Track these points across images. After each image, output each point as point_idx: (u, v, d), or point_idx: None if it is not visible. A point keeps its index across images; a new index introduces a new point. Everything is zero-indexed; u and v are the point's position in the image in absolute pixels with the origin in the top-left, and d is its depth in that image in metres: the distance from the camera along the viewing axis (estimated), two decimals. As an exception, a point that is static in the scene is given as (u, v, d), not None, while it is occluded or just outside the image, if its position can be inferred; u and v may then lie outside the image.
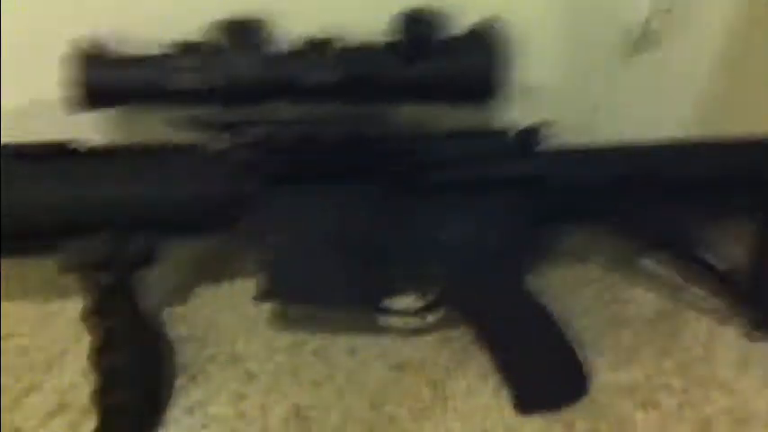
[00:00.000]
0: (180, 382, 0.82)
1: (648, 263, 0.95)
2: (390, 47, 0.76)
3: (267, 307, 0.87)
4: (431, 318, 0.86)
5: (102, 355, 0.74)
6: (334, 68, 0.74)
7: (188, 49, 0.74)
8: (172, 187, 0.74)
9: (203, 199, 0.75)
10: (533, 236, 0.83)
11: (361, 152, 0.77)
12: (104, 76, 0.72)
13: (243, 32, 0.74)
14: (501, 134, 0.80)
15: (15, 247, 0.75)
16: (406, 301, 0.85)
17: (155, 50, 0.74)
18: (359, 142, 0.76)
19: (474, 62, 0.76)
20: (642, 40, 0.89)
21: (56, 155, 0.73)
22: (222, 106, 0.75)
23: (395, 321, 0.86)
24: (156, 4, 0.78)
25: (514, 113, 0.85)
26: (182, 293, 0.89)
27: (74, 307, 0.78)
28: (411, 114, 0.80)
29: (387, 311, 0.81)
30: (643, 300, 0.92)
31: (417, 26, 0.75)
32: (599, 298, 0.92)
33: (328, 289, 0.77)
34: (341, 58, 0.75)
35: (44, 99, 0.77)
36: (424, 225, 0.79)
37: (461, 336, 0.85)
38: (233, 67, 0.74)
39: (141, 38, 0.76)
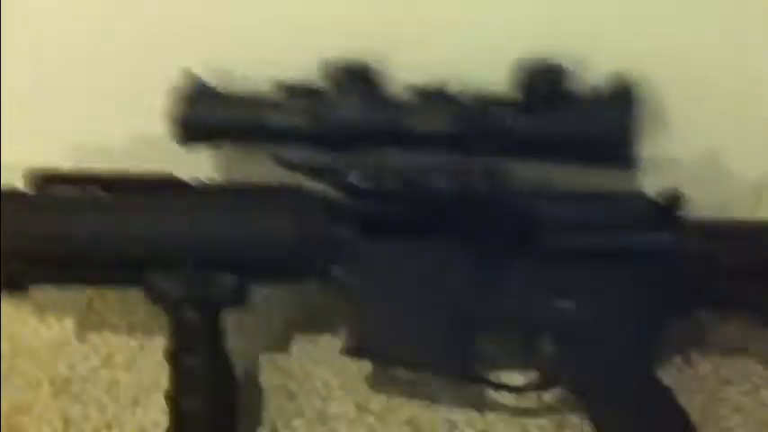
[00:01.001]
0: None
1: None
2: (510, 98, 0.68)
3: (367, 365, 0.80)
4: (546, 398, 0.76)
5: (176, 397, 0.70)
6: (447, 118, 0.68)
7: (294, 89, 0.70)
8: (262, 227, 0.69)
9: (294, 242, 0.69)
10: (672, 318, 0.71)
11: (469, 207, 0.69)
12: (205, 113, 0.69)
13: (352, 75, 0.69)
14: (636, 198, 0.69)
15: (105, 276, 0.73)
16: (519, 378, 0.75)
17: (261, 89, 0.71)
18: (467, 196, 0.68)
19: (607, 120, 0.67)
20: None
21: (150, 188, 0.71)
22: (327, 150, 0.70)
23: (504, 398, 0.76)
24: (266, 41, 0.74)
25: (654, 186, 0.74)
26: (283, 342, 0.83)
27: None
28: (540, 174, 0.72)
29: (488, 384, 0.72)
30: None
31: (541, 76, 0.67)
32: (755, 396, 0.78)
33: (418, 351, 0.69)
34: (455, 108, 0.68)
35: (150, 134, 0.75)
36: (539, 293, 0.69)
37: (581, 423, 0.74)
38: (339, 111, 0.69)
39: (249, 76, 0.73)
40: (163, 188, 0.71)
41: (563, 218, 0.69)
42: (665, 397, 0.69)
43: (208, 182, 0.74)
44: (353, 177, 0.68)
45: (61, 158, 0.80)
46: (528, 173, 0.71)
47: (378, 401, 0.78)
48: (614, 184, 0.73)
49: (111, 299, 0.85)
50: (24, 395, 0.79)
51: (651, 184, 0.74)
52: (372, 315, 0.69)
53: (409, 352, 0.69)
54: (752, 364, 0.80)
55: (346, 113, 0.69)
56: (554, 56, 0.70)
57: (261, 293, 0.74)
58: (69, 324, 0.85)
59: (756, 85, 0.74)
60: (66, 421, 0.77)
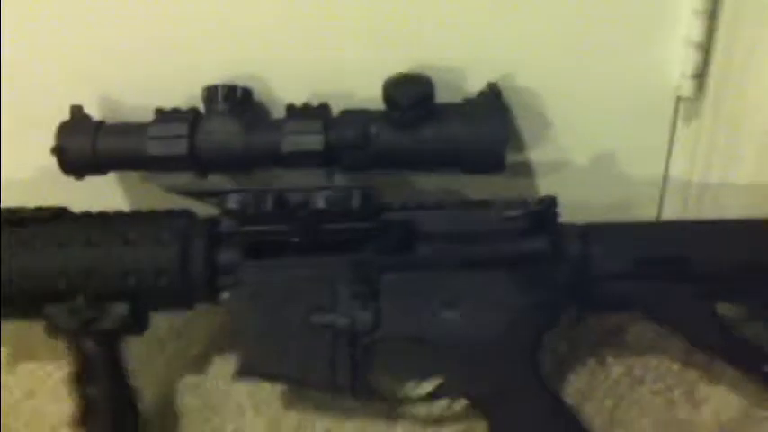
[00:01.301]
0: (172, 459, 0.78)
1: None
2: (384, 113, 0.69)
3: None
4: (456, 406, 0.76)
5: (78, 426, 0.72)
6: (322, 135, 0.69)
7: (171, 115, 0.71)
8: (147, 255, 0.71)
9: (179, 268, 0.71)
10: (554, 318, 0.71)
11: (347, 223, 0.69)
12: (84, 144, 0.71)
13: (227, 98, 0.71)
14: (513, 206, 0.69)
15: (12, 311, 0.74)
16: (425, 388, 0.76)
17: (146, 117, 0.72)
18: (345, 213, 0.69)
19: (477, 130, 0.68)
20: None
21: (39, 221, 0.73)
22: (205, 174, 0.72)
23: (412, 409, 0.77)
24: (150, 69, 0.76)
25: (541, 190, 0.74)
26: (202, 364, 0.85)
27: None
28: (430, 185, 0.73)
29: (378, 397, 0.72)
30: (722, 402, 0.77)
31: (408, 90, 0.68)
32: (668, 396, 0.78)
33: (305, 368, 0.69)
34: (329, 125, 0.70)
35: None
36: (419, 304, 0.70)
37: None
38: (215, 135, 0.70)
39: (134, 105, 0.75)
40: (52, 221, 0.73)
41: (439, 229, 0.70)
42: (554, 400, 0.69)
43: (95, 212, 0.75)
44: (232, 201, 0.70)
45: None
46: (418, 184, 0.72)
47: (291, 419, 0.79)
48: (503, 190, 0.74)
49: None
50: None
51: (544, 189, 0.75)
52: (258, 336, 0.70)
53: (297, 369, 0.69)
54: (666, 362, 0.80)
55: (221, 137, 0.70)
56: (434, 68, 0.70)
57: (182, 317, 0.75)
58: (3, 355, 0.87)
59: (641, 88, 0.74)
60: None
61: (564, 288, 0.69)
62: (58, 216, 0.74)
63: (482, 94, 0.71)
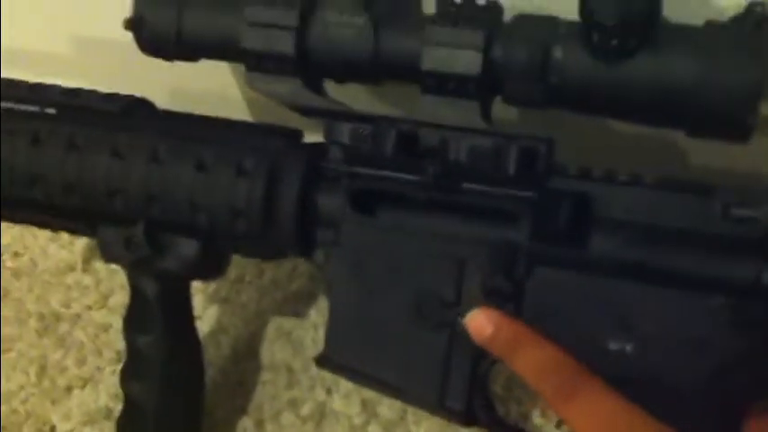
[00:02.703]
0: (242, 423, 0.63)
1: None
2: (577, 29, 0.46)
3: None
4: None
5: (125, 378, 0.58)
6: (481, 53, 0.47)
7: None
8: (229, 189, 0.52)
9: (267, 212, 0.52)
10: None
11: (496, 186, 0.48)
12: (166, 18, 0.52)
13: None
14: (740, 198, 0.46)
15: (58, 223, 0.59)
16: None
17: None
18: (495, 172, 0.48)
19: (716, 71, 0.45)
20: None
21: (106, 116, 0.55)
22: (313, 81, 0.52)
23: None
24: None
25: None
26: (294, 306, 0.68)
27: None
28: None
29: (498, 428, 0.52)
30: None
31: (626, 2, 0.44)
32: None
33: (402, 375, 0.50)
34: (495, 38, 0.47)
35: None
36: (580, 321, 0.47)
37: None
38: (333, 29, 0.50)
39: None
40: (122, 119, 0.56)
41: (628, 216, 0.48)
42: None
43: (175, 113, 0.57)
44: (343, 131, 0.50)
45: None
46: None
47: (390, 408, 0.62)
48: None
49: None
50: (10, 329, 0.70)
51: None
52: (352, 320, 0.51)
53: (395, 375, 0.50)
54: None
55: (341, 34, 0.49)
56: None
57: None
58: (80, 247, 0.74)
59: None
60: (43, 369, 0.67)
61: None
62: (130, 109, 0.56)
63: (736, 19, 0.46)
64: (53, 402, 0.66)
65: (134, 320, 0.57)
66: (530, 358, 0.45)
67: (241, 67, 0.52)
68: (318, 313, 0.67)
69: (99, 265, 0.73)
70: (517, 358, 0.45)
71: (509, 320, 0.46)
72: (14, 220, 0.60)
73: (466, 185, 0.49)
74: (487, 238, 0.49)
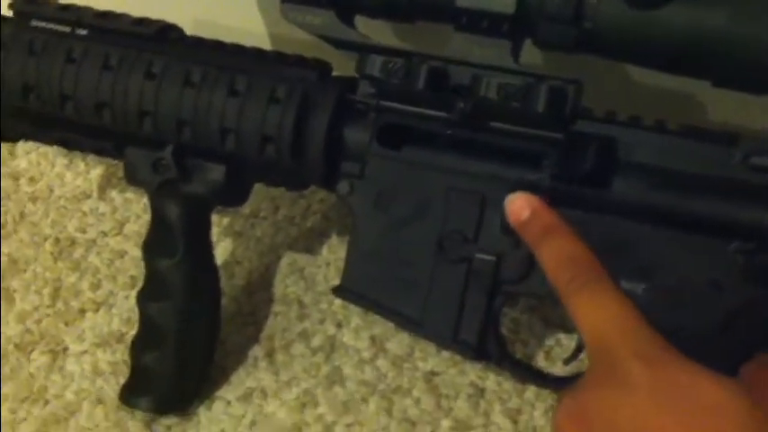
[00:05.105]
0: (253, 352, 0.64)
1: None
2: None
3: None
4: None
5: (143, 300, 0.59)
6: None
7: None
8: (260, 115, 0.53)
9: (296, 140, 0.53)
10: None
11: (524, 126, 0.49)
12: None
13: None
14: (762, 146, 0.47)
15: (86, 143, 0.60)
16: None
17: None
18: (523, 112, 0.49)
19: (750, 23, 0.46)
20: None
21: (137, 38, 0.56)
22: (346, 13, 0.53)
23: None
24: None
25: None
26: (312, 246, 0.69)
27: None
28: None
29: (509, 364, 0.54)
30: None
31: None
32: None
33: (420, 306, 0.51)
34: None
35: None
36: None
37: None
38: None
39: None
40: (152, 43, 0.56)
41: (651, 160, 0.49)
42: None
43: (213, 40, 0.58)
44: (374, 65, 0.51)
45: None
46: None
47: (398, 344, 0.63)
48: None
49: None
50: (26, 251, 0.71)
51: None
52: (373, 252, 0.52)
53: (413, 306, 0.52)
54: None
55: None
56: None
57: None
58: (96, 174, 0.75)
59: None
60: (57, 291, 0.68)
61: None
62: (163, 34, 0.57)
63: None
64: (66, 324, 0.66)
65: (155, 244, 0.58)
66: (555, 247, 0.46)
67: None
68: (331, 251, 0.68)
69: (114, 193, 0.73)
70: (545, 245, 0.46)
71: (547, 209, 0.48)
72: (44, 139, 0.61)
73: (494, 124, 0.50)
74: (510, 177, 0.50)
